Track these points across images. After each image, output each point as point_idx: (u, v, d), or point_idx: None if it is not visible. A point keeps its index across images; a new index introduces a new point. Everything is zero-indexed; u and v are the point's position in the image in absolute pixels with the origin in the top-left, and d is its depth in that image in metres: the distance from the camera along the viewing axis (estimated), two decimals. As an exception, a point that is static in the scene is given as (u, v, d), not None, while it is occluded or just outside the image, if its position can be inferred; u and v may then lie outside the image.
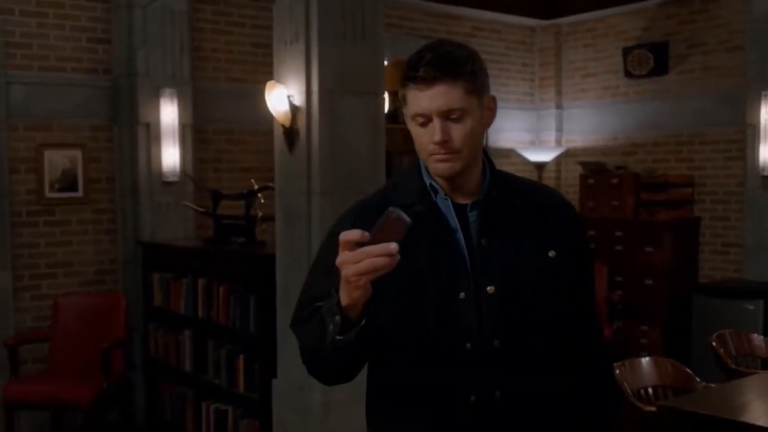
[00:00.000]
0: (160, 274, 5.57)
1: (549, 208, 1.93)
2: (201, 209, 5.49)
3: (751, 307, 6.27)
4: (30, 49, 5.58)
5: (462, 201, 1.85)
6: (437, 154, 1.78)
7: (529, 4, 8.03)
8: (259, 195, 5.07)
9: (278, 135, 4.43)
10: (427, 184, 1.86)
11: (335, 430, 4.25)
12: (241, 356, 4.85)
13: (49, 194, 5.67)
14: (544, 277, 1.84)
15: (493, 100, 1.85)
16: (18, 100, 5.54)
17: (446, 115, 1.75)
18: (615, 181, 7.48)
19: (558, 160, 8.29)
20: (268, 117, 6.59)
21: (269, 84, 4.30)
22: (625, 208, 7.38)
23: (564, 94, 8.36)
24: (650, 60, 7.57)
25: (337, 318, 1.63)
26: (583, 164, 7.81)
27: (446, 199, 1.84)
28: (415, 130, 1.81)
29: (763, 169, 6.65)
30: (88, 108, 5.80)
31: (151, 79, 5.80)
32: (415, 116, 1.78)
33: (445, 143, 1.76)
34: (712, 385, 4.02)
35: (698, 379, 3.98)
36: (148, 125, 5.79)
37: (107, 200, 5.93)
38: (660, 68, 7.53)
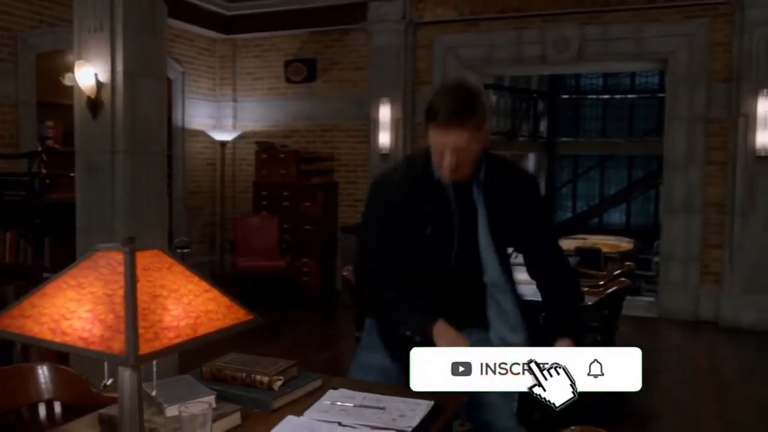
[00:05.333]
0: (-70, 226, 4.83)
1: (518, 182, 2.12)
2: (-26, 168, 4.89)
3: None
4: None
5: (461, 181, 2.01)
6: (448, 170, 1.94)
7: (213, 20, 8.20)
8: (43, 155, 4.72)
9: (81, 104, 4.23)
10: (435, 173, 2.02)
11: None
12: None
13: None
14: (519, 227, 2.10)
15: (489, 126, 1.99)
16: None
17: (456, 150, 1.90)
18: (282, 156, 8.08)
19: (235, 140, 8.62)
20: (6, 93, 6.01)
21: (78, 63, 4.11)
22: (290, 175, 8.02)
23: (238, 91, 8.68)
24: (304, 71, 8.28)
25: (417, 336, 1.94)
26: (258, 143, 8.26)
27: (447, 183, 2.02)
28: (433, 148, 1.96)
29: (382, 149, 7.78)
30: None
31: None
32: (432, 144, 1.93)
33: (454, 167, 1.93)
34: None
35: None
36: None
37: None
38: (311, 77, 8.27)
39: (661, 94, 13.28)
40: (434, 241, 2.05)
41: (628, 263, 5.06)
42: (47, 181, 4.76)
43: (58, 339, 1.31)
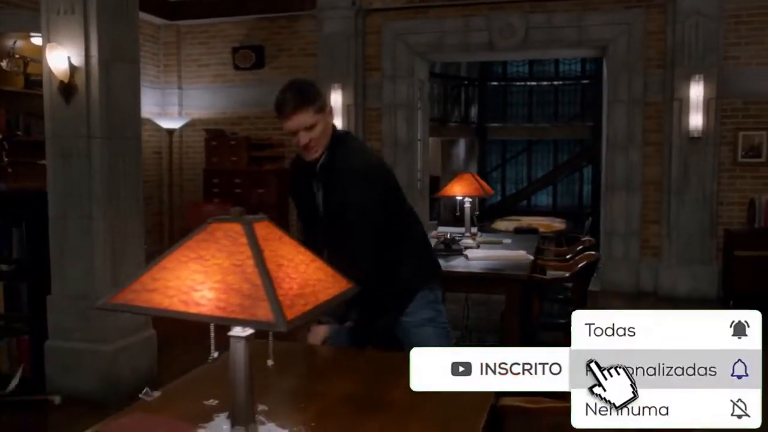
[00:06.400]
0: None
1: (344, 170, 2.39)
2: (-73, 157, 4.58)
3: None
4: None
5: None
6: (304, 150, 2.37)
7: (156, 6, 7.93)
8: (5, 143, 4.47)
9: (52, 89, 4.03)
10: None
11: (121, 328, 4.15)
12: (1, 282, 4.29)
13: None
14: (340, 211, 2.39)
15: (331, 108, 2.44)
16: None
17: (305, 129, 2.31)
18: (233, 142, 7.93)
19: (182, 127, 8.38)
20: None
21: (50, 45, 3.91)
22: (241, 162, 7.90)
23: (183, 79, 8.43)
24: (252, 57, 8.14)
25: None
26: (207, 130, 8.07)
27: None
28: (291, 135, 2.36)
29: (334, 135, 7.76)
30: None
31: None
32: (288, 132, 2.34)
33: (306, 145, 2.34)
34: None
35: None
36: None
37: None
38: (259, 64, 8.14)
39: (585, 81, 13.88)
40: (315, 220, 2.49)
41: (589, 238, 5.30)
42: (9, 170, 4.53)
43: (192, 310, 1.29)
